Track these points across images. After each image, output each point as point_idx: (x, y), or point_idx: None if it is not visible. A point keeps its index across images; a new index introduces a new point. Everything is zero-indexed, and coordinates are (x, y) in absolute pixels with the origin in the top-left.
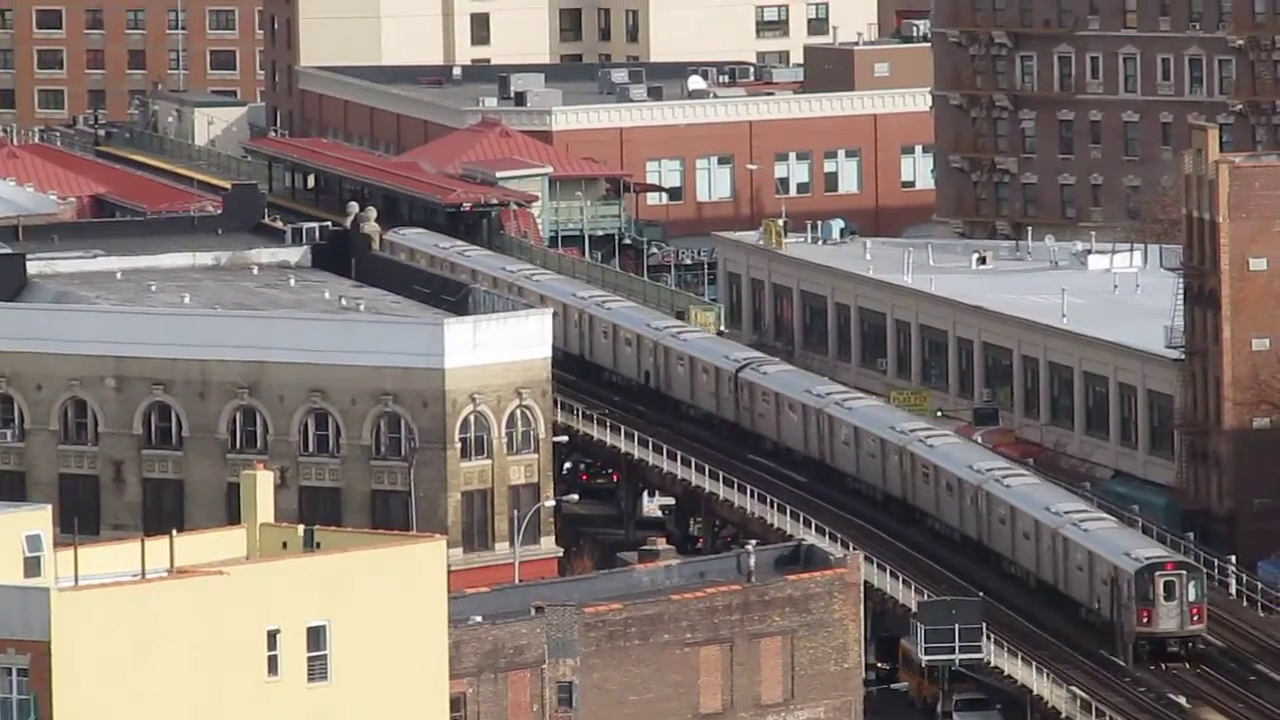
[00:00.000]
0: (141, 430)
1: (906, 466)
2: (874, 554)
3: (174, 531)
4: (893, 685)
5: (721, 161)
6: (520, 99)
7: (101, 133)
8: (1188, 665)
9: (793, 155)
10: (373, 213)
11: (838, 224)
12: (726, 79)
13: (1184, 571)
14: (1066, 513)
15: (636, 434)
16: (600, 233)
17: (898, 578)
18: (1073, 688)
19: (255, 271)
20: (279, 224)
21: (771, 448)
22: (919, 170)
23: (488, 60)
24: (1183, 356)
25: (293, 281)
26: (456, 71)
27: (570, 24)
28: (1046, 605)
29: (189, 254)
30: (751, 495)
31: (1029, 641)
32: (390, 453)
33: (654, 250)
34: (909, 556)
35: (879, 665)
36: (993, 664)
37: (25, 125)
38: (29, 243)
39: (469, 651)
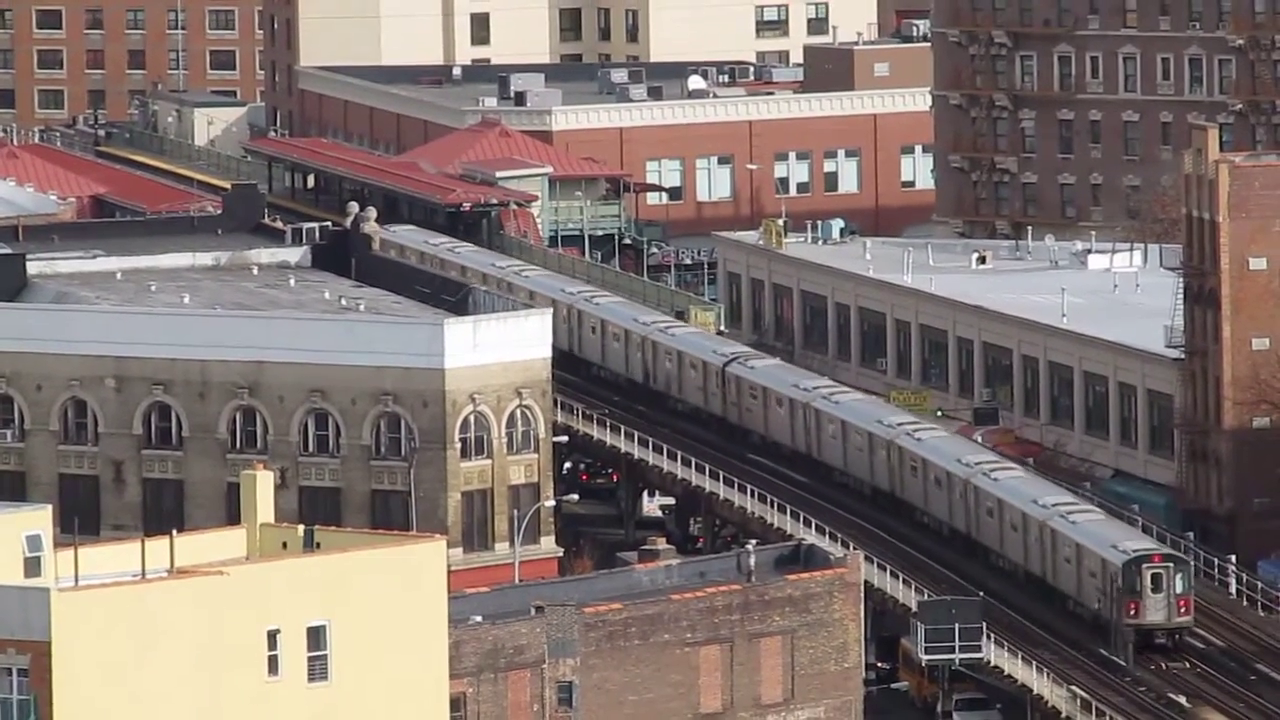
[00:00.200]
0: (141, 430)
1: (894, 460)
2: (874, 554)
3: (174, 532)
4: (893, 685)
5: (721, 161)
6: (520, 99)
7: (101, 133)
8: (1187, 665)
9: (792, 155)
10: (373, 213)
11: (838, 224)
12: (726, 79)
13: (1171, 564)
14: (1054, 505)
15: (636, 434)
16: (600, 233)
17: (898, 577)
18: (1073, 687)
19: (255, 272)
20: (279, 224)
21: (759, 442)
22: (919, 170)
23: (487, 60)
24: (1183, 356)
25: (293, 282)
26: (456, 71)
27: (570, 24)
28: (1034, 598)
29: (189, 254)
30: (752, 495)
31: (1028, 640)
32: (390, 453)
33: (654, 250)
34: (909, 555)
35: (879, 665)
36: (993, 663)
37: (25, 125)
38: (29, 243)
39: (469, 651)
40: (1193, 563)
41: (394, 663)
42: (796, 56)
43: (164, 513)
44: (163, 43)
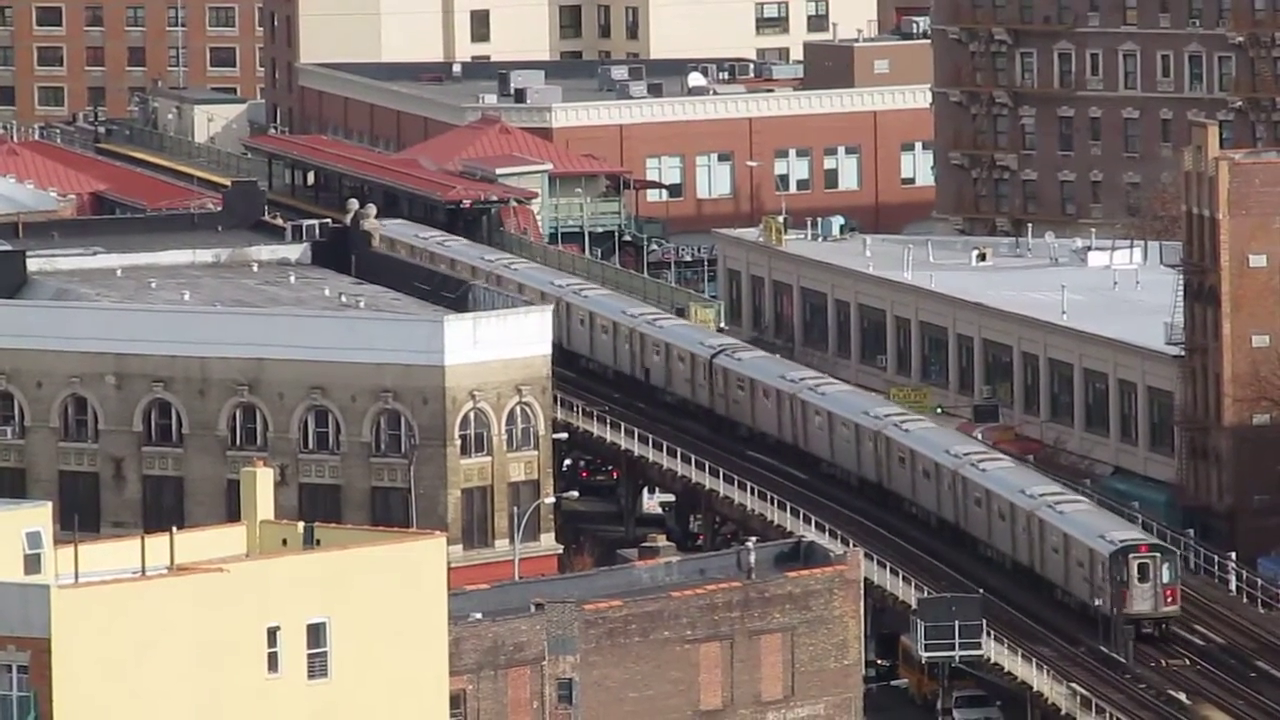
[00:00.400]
0: (141, 427)
1: (882, 451)
2: (874, 550)
3: (174, 529)
4: (893, 682)
5: (721, 158)
6: (520, 96)
7: (101, 130)
8: (1187, 661)
9: (793, 152)
10: (373, 209)
11: (838, 221)
12: (726, 76)
13: (1158, 554)
14: (1041, 495)
15: (636, 431)
16: (600, 229)
17: (898, 574)
18: (1072, 684)
19: (255, 268)
20: (279, 221)
21: (746, 434)
22: (919, 167)
23: (488, 57)
24: (1183, 353)
25: (293, 278)
26: (456, 68)
27: (570, 21)
28: (1023, 588)
29: (189, 251)
30: (751, 492)
31: (1028, 637)
32: (390, 450)
33: (654, 247)
34: (909, 553)
35: (879, 662)
36: (993, 660)
37: (25, 122)
38: (29, 240)
39: (469, 648)
40: (1179, 553)
41: (394, 660)
42: (796, 53)
43: (164, 510)
44: (163, 39)
